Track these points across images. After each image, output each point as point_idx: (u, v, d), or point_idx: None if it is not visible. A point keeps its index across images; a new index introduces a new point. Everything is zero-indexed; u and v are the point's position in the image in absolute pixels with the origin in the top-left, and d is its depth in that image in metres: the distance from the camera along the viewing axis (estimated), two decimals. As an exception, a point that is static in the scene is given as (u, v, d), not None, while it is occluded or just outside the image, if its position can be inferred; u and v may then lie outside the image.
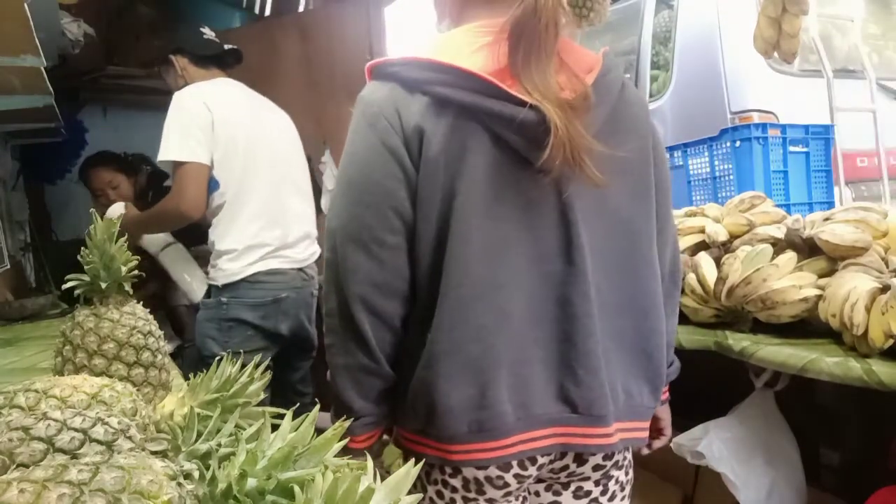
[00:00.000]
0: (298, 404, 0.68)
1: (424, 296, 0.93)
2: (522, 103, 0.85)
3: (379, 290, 0.91)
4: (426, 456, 0.93)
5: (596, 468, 0.97)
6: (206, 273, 2.10)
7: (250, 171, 2.01)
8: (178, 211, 1.97)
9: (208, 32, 2.23)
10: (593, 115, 0.90)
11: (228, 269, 1.98)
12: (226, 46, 2.22)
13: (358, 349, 0.93)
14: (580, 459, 0.96)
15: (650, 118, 1.04)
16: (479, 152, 0.89)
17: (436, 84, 0.89)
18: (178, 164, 1.93)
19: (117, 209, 2.25)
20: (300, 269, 2.11)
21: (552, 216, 0.92)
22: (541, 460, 0.94)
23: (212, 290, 2.03)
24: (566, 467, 0.97)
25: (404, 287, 0.93)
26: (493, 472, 0.92)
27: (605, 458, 0.97)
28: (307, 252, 2.16)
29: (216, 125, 1.95)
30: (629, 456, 1.04)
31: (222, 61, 2.21)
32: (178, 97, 1.98)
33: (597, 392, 0.92)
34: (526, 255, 0.92)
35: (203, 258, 2.21)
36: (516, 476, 0.93)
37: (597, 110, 0.91)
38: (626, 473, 1.03)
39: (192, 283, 2.28)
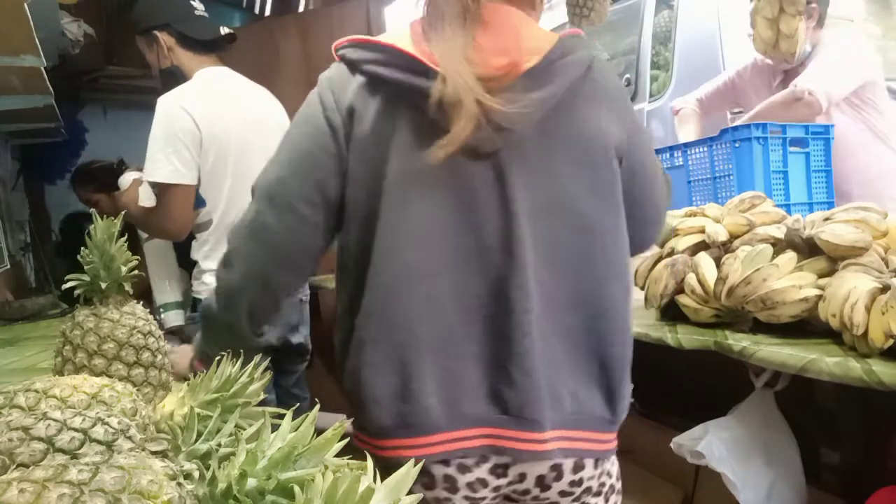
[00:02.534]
0: (298, 405, 0.68)
1: (353, 281, 0.90)
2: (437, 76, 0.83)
3: (277, 253, 0.94)
4: (366, 453, 0.91)
5: (563, 494, 0.90)
6: (191, 285, 2.02)
7: (238, 188, 1.87)
8: (162, 230, 1.93)
9: (199, 7, 1.97)
10: (535, 98, 0.85)
11: (213, 284, 1.94)
12: (223, 30, 2.01)
13: (236, 308, 1.03)
14: (542, 484, 0.89)
15: (625, 105, 0.98)
16: (410, 132, 0.86)
17: (371, 63, 0.89)
18: (164, 185, 1.81)
19: (129, 178, 2.12)
20: None
21: (493, 204, 0.87)
22: (495, 482, 0.88)
23: (197, 304, 1.97)
24: (527, 491, 0.90)
25: (303, 262, 0.96)
26: (441, 493, 0.87)
27: (573, 484, 0.90)
28: None
29: (204, 142, 1.82)
30: (610, 481, 0.96)
31: (215, 44, 1.98)
32: (162, 108, 1.79)
33: (531, 394, 0.86)
34: (462, 243, 0.87)
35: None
36: (467, 498, 0.88)
37: (539, 92, 0.86)
38: (606, 500, 0.95)
39: (156, 286, 2.17)
